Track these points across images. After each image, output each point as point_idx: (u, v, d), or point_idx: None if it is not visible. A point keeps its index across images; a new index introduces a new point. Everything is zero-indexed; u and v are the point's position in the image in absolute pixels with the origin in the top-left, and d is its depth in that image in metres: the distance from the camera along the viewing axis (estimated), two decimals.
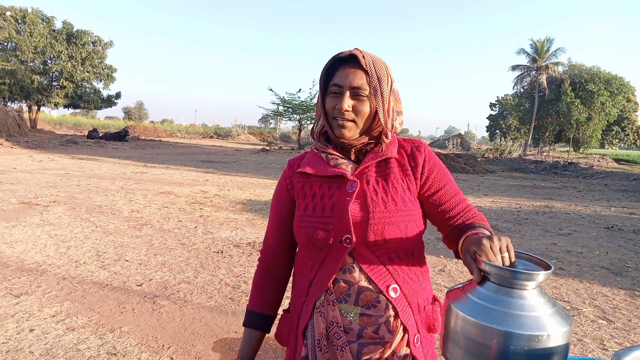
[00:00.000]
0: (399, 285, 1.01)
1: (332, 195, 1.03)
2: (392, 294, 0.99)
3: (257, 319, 1.15)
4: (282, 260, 1.16)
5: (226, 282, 3.82)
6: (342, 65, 1.03)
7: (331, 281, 1.00)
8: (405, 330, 1.01)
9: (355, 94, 1.01)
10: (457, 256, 1.02)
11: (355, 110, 1.02)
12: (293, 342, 1.08)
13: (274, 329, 1.18)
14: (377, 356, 0.99)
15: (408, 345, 1.01)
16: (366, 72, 1.01)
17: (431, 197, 1.07)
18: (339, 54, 1.04)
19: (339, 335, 0.99)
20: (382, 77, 1.02)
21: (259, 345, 1.15)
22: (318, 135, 1.12)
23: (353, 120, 1.03)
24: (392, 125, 1.06)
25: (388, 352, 0.99)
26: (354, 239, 0.98)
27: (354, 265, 1.00)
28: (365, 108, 1.02)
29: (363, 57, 1.01)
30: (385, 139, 1.06)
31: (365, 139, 1.06)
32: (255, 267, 1.21)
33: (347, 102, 1.01)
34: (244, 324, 1.15)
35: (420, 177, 1.06)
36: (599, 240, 6.16)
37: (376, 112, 1.03)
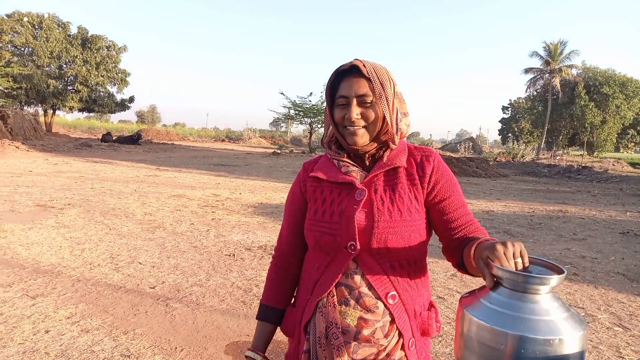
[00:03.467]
0: (397, 293, 1.04)
1: (341, 202, 1.07)
2: (390, 301, 1.03)
3: (270, 313, 1.21)
4: (295, 258, 1.22)
5: (238, 286, 3.84)
6: (345, 77, 1.08)
7: (334, 284, 1.05)
8: (400, 335, 1.05)
9: (362, 101, 1.06)
10: (458, 267, 1.05)
11: (363, 117, 1.07)
12: (297, 335, 1.14)
13: None
14: (372, 358, 1.04)
15: (402, 348, 1.06)
16: (369, 80, 1.05)
17: (436, 205, 1.09)
18: (341, 66, 1.09)
19: (337, 335, 1.04)
20: (385, 82, 1.06)
21: (271, 337, 1.22)
22: (328, 144, 1.18)
23: (364, 127, 1.07)
24: (398, 128, 1.09)
25: (382, 355, 1.04)
26: (358, 246, 1.03)
27: (357, 271, 1.04)
28: (373, 114, 1.07)
29: (364, 66, 1.06)
30: (392, 144, 1.09)
31: (374, 145, 1.10)
32: (270, 264, 1.26)
33: (356, 111, 1.06)
34: (258, 317, 1.22)
35: (427, 187, 1.09)
36: (614, 246, 6.06)
37: (384, 116, 1.07)
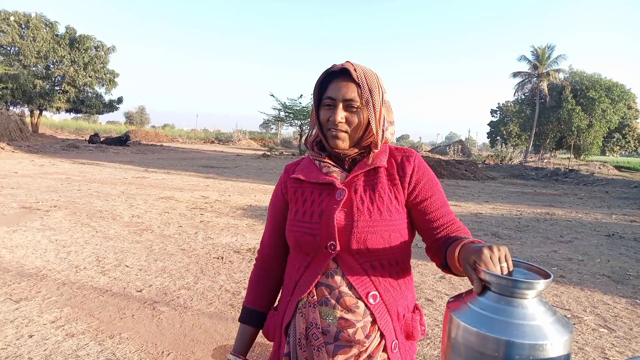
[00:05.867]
0: (379, 293, 1.04)
1: (321, 202, 1.07)
2: (371, 300, 1.03)
3: (251, 316, 1.21)
4: (277, 261, 1.22)
5: (226, 289, 3.81)
6: (335, 78, 1.08)
7: (314, 284, 1.05)
8: (382, 336, 1.04)
9: (348, 106, 1.06)
10: (442, 268, 1.05)
11: (348, 121, 1.07)
12: (278, 339, 1.14)
13: None
14: (353, 359, 1.03)
15: (385, 350, 1.05)
16: (358, 85, 1.05)
17: (418, 205, 1.09)
18: (332, 67, 1.08)
19: (317, 336, 1.03)
20: (374, 89, 1.06)
21: (252, 340, 1.22)
22: (312, 144, 1.18)
23: (346, 132, 1.07)
24: (383, 136, 1.10)
25: (364, 356, 1.03)
26: (338, 246, 1.03)
27: (337, 271, 1.04)
28: (358, 119, 1.06)
29: (355, 70, 1.06)
30: (374, 149, 1.09)
31: (355, 150, 1.10)
32: (253, 267, 1.27)
33: (341, 114, 1.06)
34: (239, 320, 1.23)
35: (408, 187, 1.09)
36: (600, 248, 6.14)
37: (368, 123, 1.07)
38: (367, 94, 1.04)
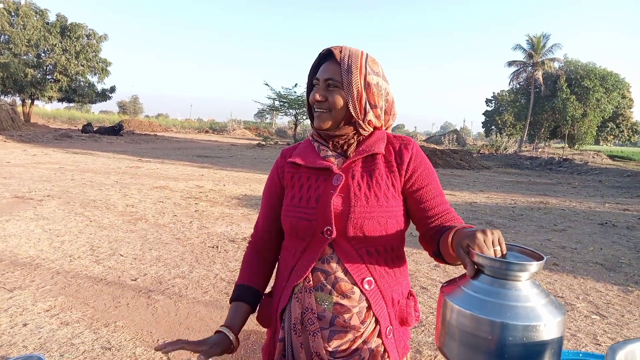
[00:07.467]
0: (374, 279, 1.04)
1: (318, 187, 1.07)
2: (366, 286, 1.03)
3: (246, 292, 1.15)
4: (270, 245, 1.21)
5: (221, 277, 3.82)
6: (325, 61, 1.09)
7: (310, 270, 1.04)
8: (377, 321, 1.05)
9: (328, 85, 1.07)
10: (435, 256, 1.05)
11: (329, 101, 1.07)
12: (273, 324, 1.13)
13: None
14: (347, 344, 1.03)
15: (379, 336, 1.05)
16: (340, 65, 1.06)
17: (413, 193, 1.09)
18: (323, 50, 1.10)
19: (312, 321, 1.03)
20: (354, 68, 1.05)
21: (246, 318, 1.14)
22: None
23: (328, 110, 1.07)
24: (365, 118, 1.08)
25: (359, 342, 1.03)
26: (334, 232, 1.02)
27: (333, 257, 1.04)
28: (336, 98, 1.06)
29: (340, 51, 1.07)
30: (361, 130, 1.09)
31: (348, 129, 1.09)
32: (246, 250, 1.26)
33: (320, 93, 1.07)
34: (232, 299, 1.15)
35: (405, 174, 1.09)
36: (593, 236, 6.19)
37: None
38: (345, 74, 1.05)
